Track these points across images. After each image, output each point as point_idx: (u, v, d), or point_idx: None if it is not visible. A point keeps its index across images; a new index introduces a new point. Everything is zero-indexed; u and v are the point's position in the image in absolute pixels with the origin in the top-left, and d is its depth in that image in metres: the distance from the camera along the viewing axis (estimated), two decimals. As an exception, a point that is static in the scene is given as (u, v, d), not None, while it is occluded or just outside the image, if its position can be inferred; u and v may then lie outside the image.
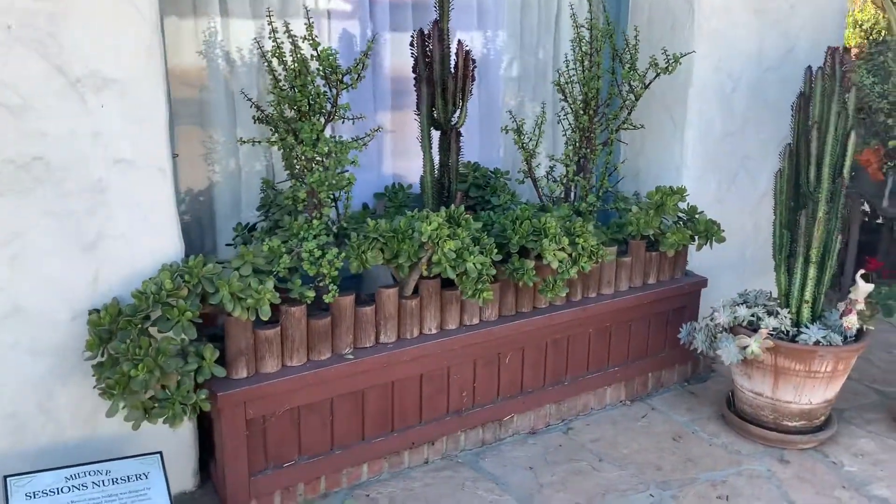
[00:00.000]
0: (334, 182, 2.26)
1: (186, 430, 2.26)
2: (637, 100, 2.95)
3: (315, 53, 2.27)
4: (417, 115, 2.61)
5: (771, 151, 3.41)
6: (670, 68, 2.84)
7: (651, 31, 3.23)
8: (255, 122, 2.42)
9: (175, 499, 2.22)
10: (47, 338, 1.98)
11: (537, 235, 2.54)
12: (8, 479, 1.88)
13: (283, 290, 2.21)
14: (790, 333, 2.71)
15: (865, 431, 2.90)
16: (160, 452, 2.08)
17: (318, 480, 2.41)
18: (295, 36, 2.28)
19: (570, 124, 2.99)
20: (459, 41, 2.62)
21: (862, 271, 2.71)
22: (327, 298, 2.22)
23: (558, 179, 3.01)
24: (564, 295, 2.67)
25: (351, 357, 2.37)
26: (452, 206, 2.45)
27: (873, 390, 3.20)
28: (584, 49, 2.86)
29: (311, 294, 2.22)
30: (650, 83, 2.90)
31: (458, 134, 2.69)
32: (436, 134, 2.70)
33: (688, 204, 3.08)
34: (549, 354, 2.85)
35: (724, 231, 3.04)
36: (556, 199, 3.00)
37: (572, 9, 3.06)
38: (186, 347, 2.09)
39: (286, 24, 2.28)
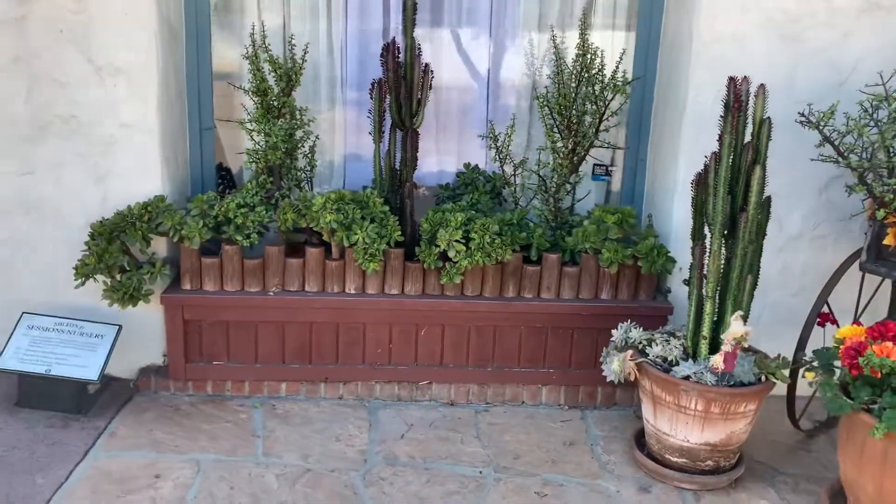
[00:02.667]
0: (269, 157, 2.97)
1: (158, 321, 3.15)
2: (601, 119, 3.06)
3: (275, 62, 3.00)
4: (369, 115, 3.14)
5: (806, 192, 3.15)
6: (623, 90, 2.92)
7: (662, 56, 3.25)
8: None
9: (145, 368, 3.16)
10: (72, 233, 3.03)
11: (440, 226, 2.92)
12: (24, 314, 2.98)
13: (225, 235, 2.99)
14: (673, 364, 2.65)
15: (777, 497, 2.66)
16: (120, 326, 3.02)
17: (243, 383, 3.15)
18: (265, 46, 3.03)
19: (552, 144, 3.22)
20: (419, 54, 3.08)
21: (740, 312, 2.51)
22: (244, 243, 2.94)
23: (531, 187, 3.28)
24: (458, 282, 2.99)
25: (271, 294, 3.05)
26: (368, 190, 2.97)
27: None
28: (563, 77, 3.10)
29: (241, 238, 2.95)
30: (608, 103, 3.00)
31: (416, 133, 3.15)
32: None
33: (649, 225, 3.09)
34: (472, 338, 3.16)
35: (675, 263, 2.99)
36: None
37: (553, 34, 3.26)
38: (153, 258, 2.99)
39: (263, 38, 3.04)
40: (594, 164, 3.48)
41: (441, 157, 3.57)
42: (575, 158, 3.20)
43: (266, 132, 3.00)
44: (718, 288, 2.61)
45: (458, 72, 3.49)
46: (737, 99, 2.46)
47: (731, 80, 2.50)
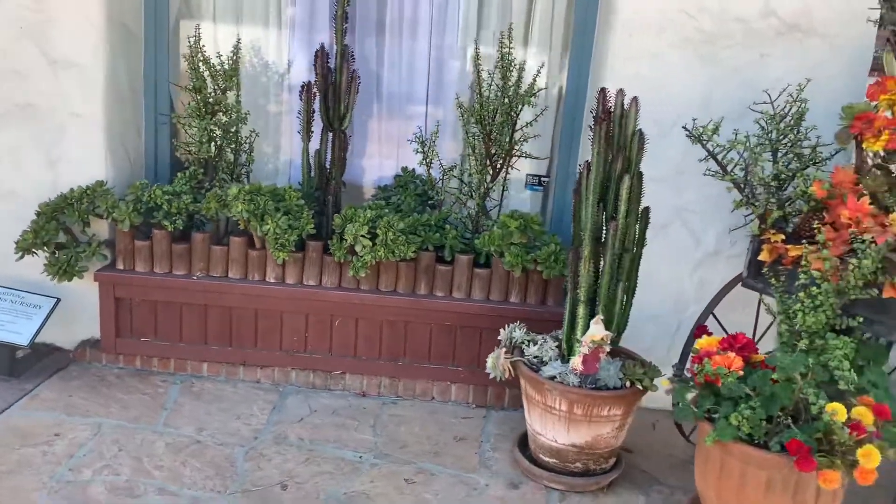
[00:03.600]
0: (200, 150, 3.19)
1: (97, 297, 3.40)
2: (513, 129, 3.18)
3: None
4: (299, 115, 3.33)
5: (721, 208, 3.18)
6: (527, 100, 3.03)
7: (592, 73, 3.34)
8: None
9: (84, 340, 3.41)
10: (24, 211, 3.31)
11: (349, 222, 3.08)
12: (-22, 283, 3.28)
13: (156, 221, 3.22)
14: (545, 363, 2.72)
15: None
16: (58, 299, 3.28)
17: (169, 360, 3.36)
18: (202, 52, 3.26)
19: (472, 151, 3.35)
20: (349, 61, 3.26)
21: (600, 316, 2.57)
22: (169, 227, 3.16)
23: (451, 191, 3.41)
24: (364, 275, 3.13)
25: (195, 278, 3.26)
26: (287, 185, 3.15)
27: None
28: (482, 89, 3.23)
29: (168, 223, 3.18)
30: (518, 114, 3.11)
31: (344, 135, 3.33)
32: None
33: (553, 234, 3.18)
34: (385, 332, 3.29)
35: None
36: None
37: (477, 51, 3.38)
38: (92, 239, 3.25)
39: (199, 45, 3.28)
40: (527, 175, 3.58)
41: (383, 160, 3.73)
42: (494, 167, 3.31)
43: (194, 126, 3.22)
44: (591, 293, 2.68)
45: (402, 80, 3.64)
46: (605, 110, 2.54)
47: (602, 91, 2.59)
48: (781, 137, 2.70)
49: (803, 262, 2.38)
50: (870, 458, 2.01)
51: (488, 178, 3.34)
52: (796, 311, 2.31)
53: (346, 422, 3.10)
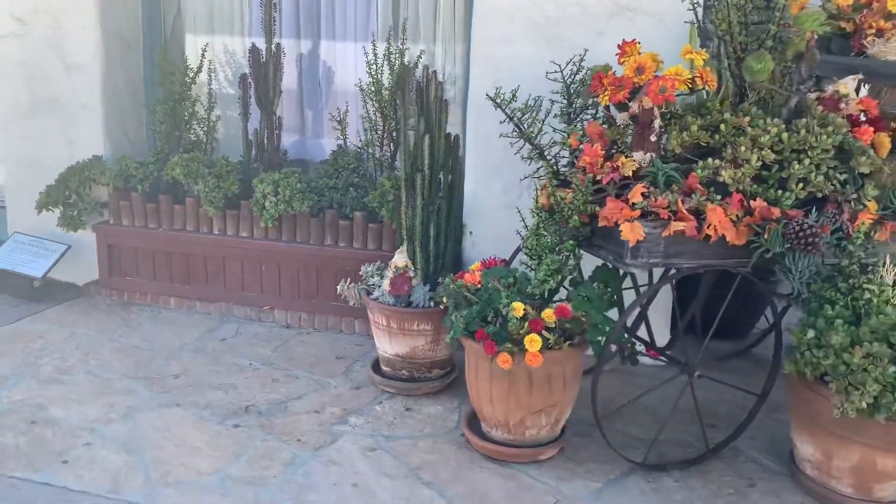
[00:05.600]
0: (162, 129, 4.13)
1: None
2: (395, 111, 3.85)
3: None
4: (242, 97, 4.17)
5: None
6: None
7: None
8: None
9: (91, 280, 4.44)
10: (48, 178, 4.38)
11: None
12: (15, 233, 4.40)
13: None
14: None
15: (443, 409, 3.23)
16: (69, 246, 4.33)
17: (146, 295, 4.31)
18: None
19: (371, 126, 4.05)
20: (278, 56, 4.07)
21: (402, 248, 3.15)
22: (139, 190, 4.12)
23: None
24: (272, 225, 3.90)
25: (160, 229, 4.19)
26: (221, 157, 4.01)
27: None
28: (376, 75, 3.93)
29: (140, 187, 4.13)
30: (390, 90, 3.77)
31: (273, 115, 4.14)
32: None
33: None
34: (301, 276, 4.05)
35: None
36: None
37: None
38: (93, 199, 4.28)
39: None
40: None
41: (330, 139, 4.48)
42: (390, 136, 3.98)
43: (157, 111, 4.17)
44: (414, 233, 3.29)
45: (338, 71, 4.40)
46: (416, 84, 3.15)
47: (407, 67, 3.20)
48: (573, 102, 3.17)
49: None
50: (532, 343, 2.50)
51: (383, 145, 4.01)
52: (530, 235, 2.81)
53: (259, 343, 3.88)
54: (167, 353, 3.69)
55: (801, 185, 2.73)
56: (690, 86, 2.80)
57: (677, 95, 2.78)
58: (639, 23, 3.50)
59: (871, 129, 2.83)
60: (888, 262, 2.69)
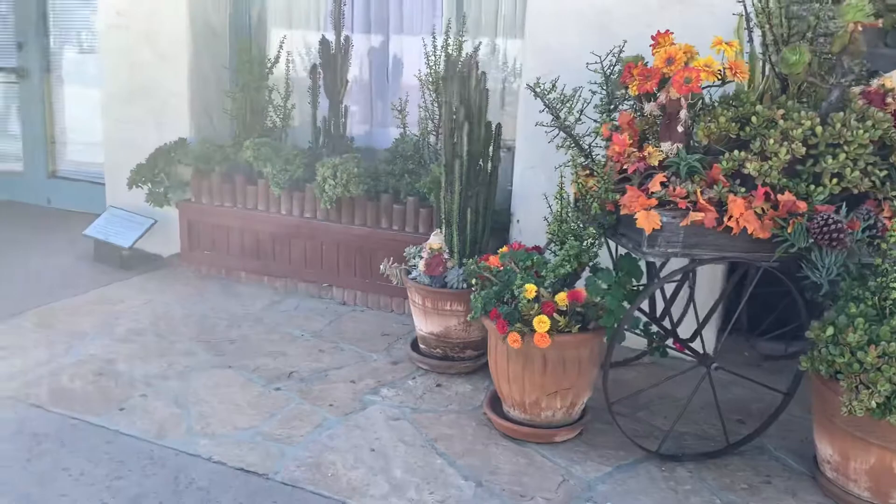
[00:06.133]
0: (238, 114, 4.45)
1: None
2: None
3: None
4: (312, 87, 4.41)
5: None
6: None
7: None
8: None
9: (175, 252, 4.83)
10: (141, 158, 4.79)
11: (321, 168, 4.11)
12: (110, 206, 4.85)
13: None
14: (421, 271, 3.51)
15: (472, 388, 3.35)
16: (155, 220, 4.72)
17: (221, 268, 4.65)
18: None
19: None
20: (346, 49, 4.28)
21: (437, 230, 3.26)
22: (216, 170, 4.44)
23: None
24: (331, 207, 4.11)
25: (235, 208, 4.51)
26: (289, 142, 4.26)
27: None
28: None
29: (215, 168, 4.46)
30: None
31: (340, 104, 4.36)
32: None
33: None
34: (357, 257, 4.25)
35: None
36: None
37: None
38: (178, 178, 4.66)
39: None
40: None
41: (394, 129, 4.68)
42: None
43: (235, 98, 4.48)
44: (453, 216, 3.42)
45: (404, 64, 4.58)
46: (454, 71, 3.28)
47: (447, 56, 3.32)
48: (611, 93, 3.20)
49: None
50: (540, 324, 2.58)
51: (438, 134, 4.15)
52: (553, 220, 2.88)
53: (315, 317, 4.12)
54: (230, 321, 3.98)
55: (835, 180, 2.67)
56: (721, 77, 2.79)
57: (707, 86, 2.78)
58: (689, 14, 3.48)
59: (921, 125, 2.73)
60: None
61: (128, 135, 4.87)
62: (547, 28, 3.75)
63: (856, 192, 2.70)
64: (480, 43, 4.13)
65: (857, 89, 2.83)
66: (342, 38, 4.31)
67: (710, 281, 3.58)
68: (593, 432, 3.01)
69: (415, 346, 3.61)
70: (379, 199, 4.15)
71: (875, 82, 2.86)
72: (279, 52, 4.57)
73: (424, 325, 3.45)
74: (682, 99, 2.73)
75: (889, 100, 2.81)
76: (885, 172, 2.69)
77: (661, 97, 2.78)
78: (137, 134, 4.83)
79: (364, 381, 3.36)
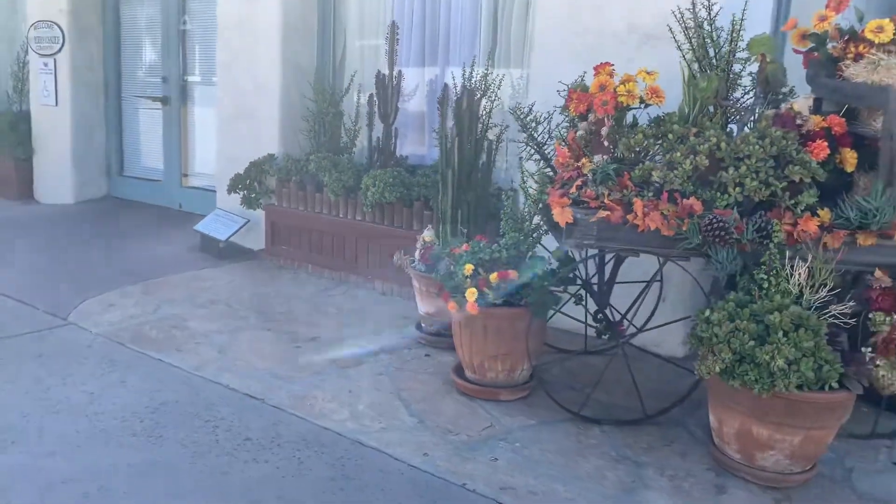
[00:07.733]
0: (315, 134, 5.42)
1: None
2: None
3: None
4: (368, 112, 5.28)
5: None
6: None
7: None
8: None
9: (261, 247, 5.85)
10: (241, 169, 5.88)
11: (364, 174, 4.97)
12: (217, 208, 5.97)
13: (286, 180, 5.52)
14: (423, 262, 4.23)
15: (453, 358, 4.00)
16: (247, 220, 5.77)
17: (294, 261, 5.60)
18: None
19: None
20: (398, 81, 5.13)
21: (430, 225, 3.95)
22: (294, 180, 5.42)
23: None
24: (372, 211, 4.93)
25: (305, 211, 5.46)
26: (345, 158, 5.16)
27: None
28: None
29: (294, 178, 5.44)
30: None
31: (390, 127, 5.21)
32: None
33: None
34: (395, 253, 5.04)
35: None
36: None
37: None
38: (265, 187, 5.70)
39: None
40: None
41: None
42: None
43: (307, 122, 5.46)
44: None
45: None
46: (446, 96, 4.01)
47: (444, 86, 4.05)
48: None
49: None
50: (470, 294, 3.24)
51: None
52: (505, 217, 3.53)
53: (354, 301, 4.95)
54: (285, 299, 4.90)
55: (738, 189, 3.14)
56: (643, 100, 3.34)
57: (630, 109, 3.35)
58: (660, 49, 4.01)
59: (826, 144, 3.15)
60: (802, 261, 2.98)
61: (232, 150, 5.99)
62: (547, 63, 4.40)
63: (756, 199, 3.15)
64: (504, 74, 4.83)
65: (770, 112, 3.28)
66: (394, 72, 5.16)
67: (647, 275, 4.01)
68: (539, 398, 3.58)
69: (418, 325, 4.32)
70: (412, 205, 4.93)
71: (784, 106, 3.29)
72: (349, 84, 5.51)
73: (422, 306, 4.17)
74: (606, 118, 3.31)
75: (799, 121, 3.24)
76: (784, 184, 3.12)
77: (591, 117, 3.38)
78: (239, 150, 5.93)
79: (369, 348, 4.13)
